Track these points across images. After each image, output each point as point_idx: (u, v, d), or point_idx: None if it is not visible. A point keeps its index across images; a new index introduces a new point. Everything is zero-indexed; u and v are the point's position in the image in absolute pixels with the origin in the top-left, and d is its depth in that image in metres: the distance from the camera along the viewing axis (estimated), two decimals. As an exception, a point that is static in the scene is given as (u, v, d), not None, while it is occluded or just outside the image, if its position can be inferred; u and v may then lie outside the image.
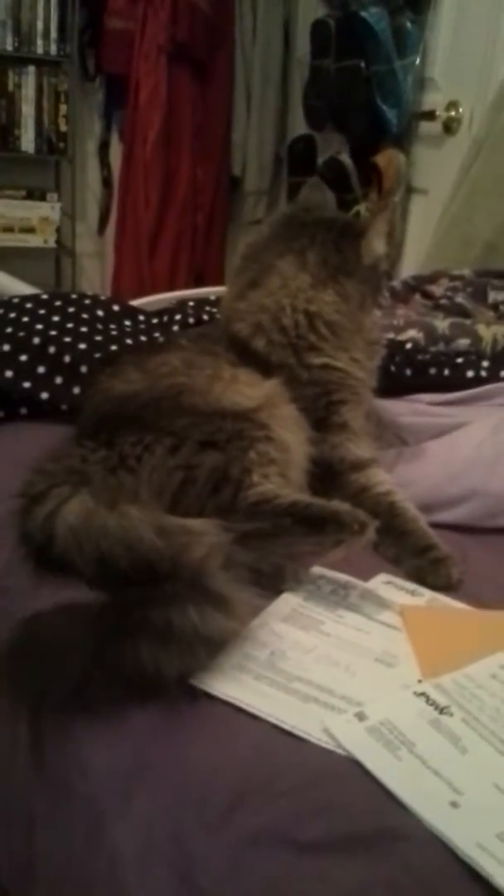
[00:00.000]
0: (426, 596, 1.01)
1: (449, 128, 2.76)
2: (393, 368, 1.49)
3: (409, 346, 1.55)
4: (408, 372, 1.53)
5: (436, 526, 1.17)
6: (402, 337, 1.57)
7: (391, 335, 1.54)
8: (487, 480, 1.22)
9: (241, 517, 0.99)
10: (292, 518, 0.97)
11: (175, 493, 1.02)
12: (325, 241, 1.25)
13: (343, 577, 1.01)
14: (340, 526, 0.95)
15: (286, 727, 0.77)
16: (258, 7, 3.62)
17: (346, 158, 3.09)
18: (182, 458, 1.03)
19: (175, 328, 1.67)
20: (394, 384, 1.46)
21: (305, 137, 3.43)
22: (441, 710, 0.79)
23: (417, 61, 2.82)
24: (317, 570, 1.02)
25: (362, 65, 2.87)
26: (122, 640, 0.79)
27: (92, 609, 0.85)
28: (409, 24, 2.77)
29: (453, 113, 2.73)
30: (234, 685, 0.81)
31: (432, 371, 1.54)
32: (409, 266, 2.84)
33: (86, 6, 3.53)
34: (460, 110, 2.71)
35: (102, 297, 1.78)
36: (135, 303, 1.90)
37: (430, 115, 2.82)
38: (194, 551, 0.87)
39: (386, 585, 1.02)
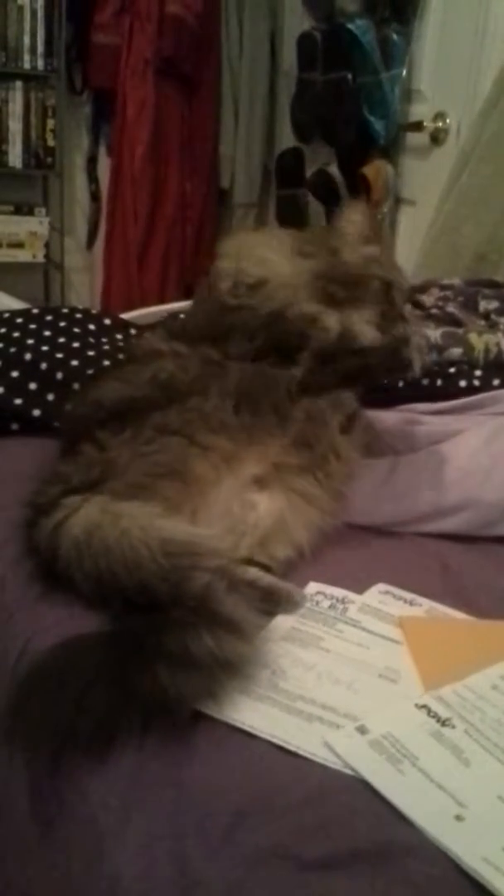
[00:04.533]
0: (424, 605, 1.01)
1: (436, 139, 2.77)
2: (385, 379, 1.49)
3: (401, 356, 1.55)
4: (400, 382, 1.53)
5: (432, 535, 1.17)
6: (394, 347, 1.57)
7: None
8: (483, 489, 1.21)
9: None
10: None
11: (239, 414, 1.06)
12: None
13: (340, 591, 1.00)
14: None
15: (290, 748, 0.75)
16: (244, 21, 3.64)
17: (334, 170, 3.10)
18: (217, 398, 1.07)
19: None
20: (386, 394, 1.46)
21: (293, 150, 3.44)
22: (443, 723, 0.78)
23: (404, 73, 2.82)
24: (313, 586, 1.01)
25: (349, 77, 2.89)
26: (142, 667, 0.77)
27: (101, 639, 0.83)
28: (395, 36, 2.78)
29: (440, 124, 2.74)
30: (236, 708, 0.79)
31: (425, 381, 1.54)
32: (399, 276, 2.84)
33: (72, 21, 3.54)
34: (447, 121, 2.72)
35: (93, 311, 1.78)
36: (126, 316, 1.90)
37: (418, 126, 2.83)
38: (196, 579, 0.86)
39: (384, 595, 1.02)
